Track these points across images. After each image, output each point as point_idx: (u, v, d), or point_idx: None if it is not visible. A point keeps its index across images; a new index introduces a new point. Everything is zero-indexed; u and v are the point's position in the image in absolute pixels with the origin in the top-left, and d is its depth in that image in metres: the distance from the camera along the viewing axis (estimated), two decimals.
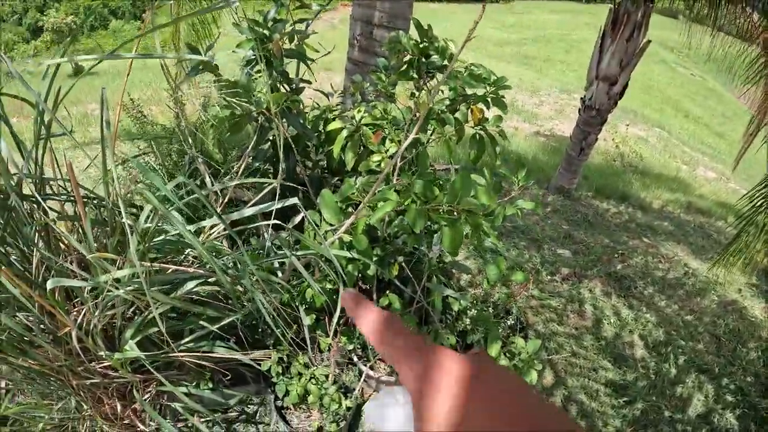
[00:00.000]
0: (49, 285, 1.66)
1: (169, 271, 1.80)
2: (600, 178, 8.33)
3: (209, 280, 1.96)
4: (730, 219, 8.05)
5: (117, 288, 1.71)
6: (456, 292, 2.86)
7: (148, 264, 1.83)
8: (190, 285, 1.93)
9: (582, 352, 4.20)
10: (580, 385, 3.87)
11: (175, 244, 1.93)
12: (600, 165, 9.26)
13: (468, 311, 3.03)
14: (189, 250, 2.02)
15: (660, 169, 10.09)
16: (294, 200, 2.04)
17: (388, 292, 2.72)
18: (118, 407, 2.31)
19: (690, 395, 4.08)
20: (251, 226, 2.12)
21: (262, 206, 1.97)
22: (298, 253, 2.06)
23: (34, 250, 1.79)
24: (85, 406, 2.30)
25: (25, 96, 1.78)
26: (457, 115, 2.46)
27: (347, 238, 2.23)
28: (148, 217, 1.67)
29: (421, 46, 2.57)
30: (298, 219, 2.06)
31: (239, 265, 1.87)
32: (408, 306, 2.83)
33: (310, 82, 2.76)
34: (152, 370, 1.89)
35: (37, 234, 1.92)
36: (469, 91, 2.52)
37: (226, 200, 2.25)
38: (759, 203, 4.26)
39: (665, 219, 7.52)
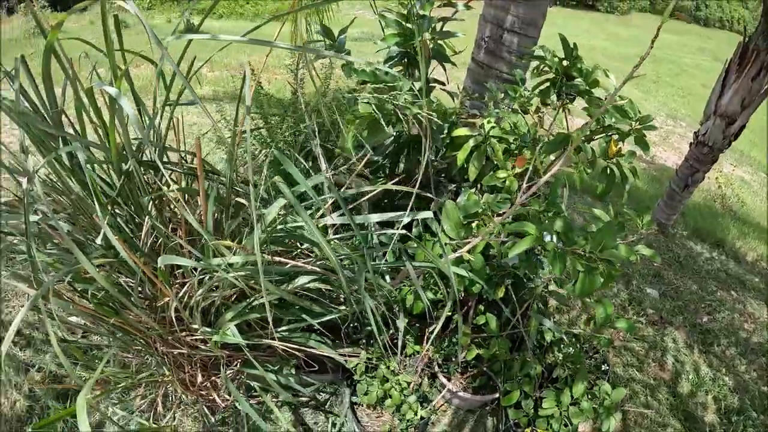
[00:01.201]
0: (161, 262, 1.76)
1: (288, 265, 1.88)
2: (698, 218, 8.16)
3: (321, 277, 2.05)
4: None
5: (228, 272, 1.81)
6: (551, 321, 2.89)
7: (269, 257, 1.92)
8: (302, 280, 2.02)
9: (655, 404, 4.17)
10: None
11: (298, 238, 2.02)
12: (699, 204, 9.06)
13: (561, 345, 3.05)
14: (306, 244, 2.11)
15: (760, 218, 9.78)
16: (428, 214, 2.11)
17: (486, 312, 2.78)
18: (199, 377, 2.45)
19: None
20: (379, 232, 2.17)
21: (392, 214, 2.05)
22: (417, 263, 2.13)
23: (146, 218, 1.89)
24: (166, 371, 2.44)
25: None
26: (594, 145, 2.47)
27: (466, 256, 2.28)
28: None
29: (565, 64, 2.59)
30: (405, 219, 2.10)
31: (356, 266, 1.95)
32: (503, 328, 2.87)
33: (444, 84, 2.81)
34: (249, 355, 1.99)
35: (151, 203, 2.03)
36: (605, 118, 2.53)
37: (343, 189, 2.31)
38: None
39: (757, 274, 7.31)
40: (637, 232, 2.69)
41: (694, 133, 6.66)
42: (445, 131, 2.84)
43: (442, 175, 3.06)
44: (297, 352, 2.22)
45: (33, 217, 1.88)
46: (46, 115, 1.86)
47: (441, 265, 2.03)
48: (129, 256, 1.62)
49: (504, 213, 2.31)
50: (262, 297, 1.98)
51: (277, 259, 1.86)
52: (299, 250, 2.09)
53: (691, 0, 25.02)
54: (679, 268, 6.45)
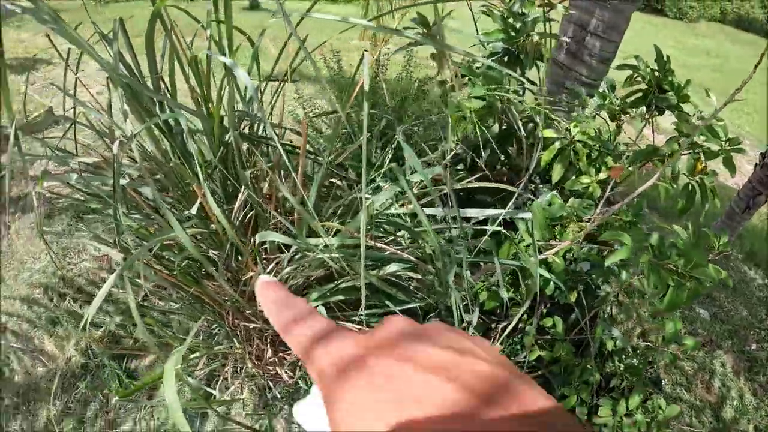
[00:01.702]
0: (259, 238, 1.83)
1: (387, 252, 1.95)
2: (755, 241, 8.07)
3: (413, 266, 2.11)
4: None
5: (325, 252, 1.87)
6: (618, 331, 2.92)
7: (371, 241, 1.98)
8: (393, 267, 2.08)
9: (698, 426, 4.19)
10: None
11: (398, 226, 2.08)
12: (757, 227, 8.95)
13: (623, 355, 3.08)
14: (403, 232, 2.17)
15: None
16: (527, 215, 2.17)
17: (554, 314, 2.82)
18: (269, 352, 2.53)
19: None
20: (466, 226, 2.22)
21: (492, 211, 2.10)
22: (506, 261, 2.19)
23: (242, 191, 1.95)
24: (236, 344, 2.52)
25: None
26: (680, 162, 2.50)
27: (551, 258, 2.33)
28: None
29: (657, 76, 2.61)
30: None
31: (447, 258, 2.00)
32: (568, 332, 2.91)
33: (535, 84, 2.84)
34: None
35: (250, 177, 2.09)
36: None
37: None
38: None
39: None
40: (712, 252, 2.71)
41: (761, 154, 6.58)
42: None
43: (522, 173, 3.09)
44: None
45: (121, 181, 1.95)
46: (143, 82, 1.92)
47: (530, 264, 2.08)
48: (227, 225, 1.68)
49: (589, 219, 2.35)
50: (350, 280, 2.05)
51: (379, 245, 1.92)
52: (394, 237, 2.14)
53: (764, 11, 24.56)
54: (731, 292, 6.42)
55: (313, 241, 1.78)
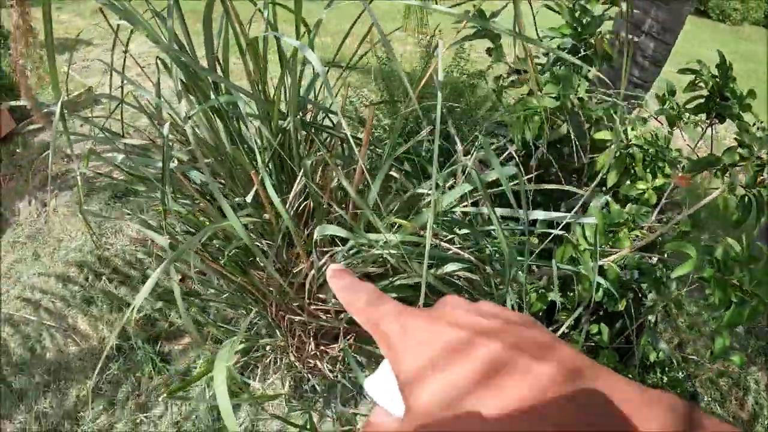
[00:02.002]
0: (318, 232, 1.78)
1: (450, 252, 1.90)
2: None
3: (471, 266, 2.05)
4: None
5: (382, 249, 1.82)
6: (665, 343, 2.86)
7: (435, 239, 1.93)
8: (452, 267, 2.03)
9: None
10: None
11: (462, 225, 2.03)
12: None
13: (666, 368, 3.01)
14: (460, 230, 2.11)
15: None
16: (591, 220, 2.10)
17: (599, 321, 2.76)
18: (311, 345, 2.48)
19: None
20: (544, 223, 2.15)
21: (557, 214, 2.04)
22: (563, 266, 2.13)
23: (299, 179, 1.90)
24: (279, 336, 2.48)
25: None
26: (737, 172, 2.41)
27: (608, 265, 2.26)
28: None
29: (719, 82, 2.53)
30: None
31: (506, 260, 1.94)
32: (612, 340, 2.85)
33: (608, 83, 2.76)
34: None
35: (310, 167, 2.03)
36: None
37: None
38: None
39: None
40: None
41: None
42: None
43: (573, 175, 3.02)
44: None
45: (171, 165, 1.90)
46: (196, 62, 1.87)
47: (588, 270, 2.02)
48: (285, 214, 1.63)
49: (647, 227, 2.29)
50: (406, 277, 2.00)
51: (443, 244, 1.86)
52: (454, 236, 2.08)
53: None
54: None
55: (373, 236, 1.72)
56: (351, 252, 1.90)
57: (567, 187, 1.97)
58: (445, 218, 1.96)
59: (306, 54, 1.40)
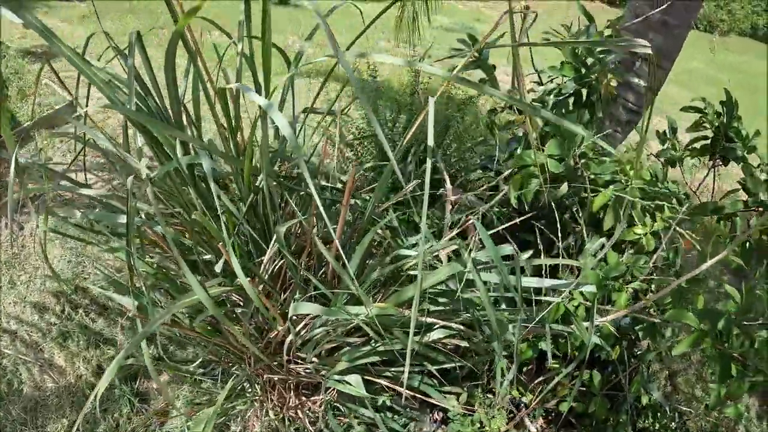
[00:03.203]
0: (292, 311, 1.64)
1: (437, 326, 1.77)
2: None
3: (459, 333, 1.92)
4: None
5: (365, 323, 1.68)
6: (658, 391, 2.74)
7: (424, 318, 1.79)
8: (438, 334, 1.89)
9: None
10: None
11: (449, 296, 1.89)
12: None
13: (658, 413, 2.90)
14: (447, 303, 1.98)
15: None
16: (591, 288, 1.96)
17: (591, 368, 2.64)
18: (292, 400, 2.34)
19: None
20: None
21: (551, 282, 1.90)
22: (557, 327, 1.99)
23: (272, 244, 1.75)
24: (258, 390, 2.34)
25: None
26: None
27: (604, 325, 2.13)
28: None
29: (726, 123, 2.39)
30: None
31: (495, 335, 1.81)
32: (604, 385, 2.74)
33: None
34: (368, 404, 1.87)
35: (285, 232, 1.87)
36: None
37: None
38: None
39: None
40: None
41: None
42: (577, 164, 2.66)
43: (565, 214, 2.88)
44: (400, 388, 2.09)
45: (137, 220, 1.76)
46: (160, 106, 1.72)
47: (582, 331, 1.88)
48: (254, 295, 1.49)
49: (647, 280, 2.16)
50: (388, 344, 1.85)
51: (429, 320, 1.72)
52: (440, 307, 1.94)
53: None
54: None
55: (353, 310, 1.58)
56: (329, 323, 1.75)
57: (561, 261, 1.83)
58: (431, 291, 1.81)
59: (273, 116, 1.26)
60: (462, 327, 1.80)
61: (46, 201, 1.79)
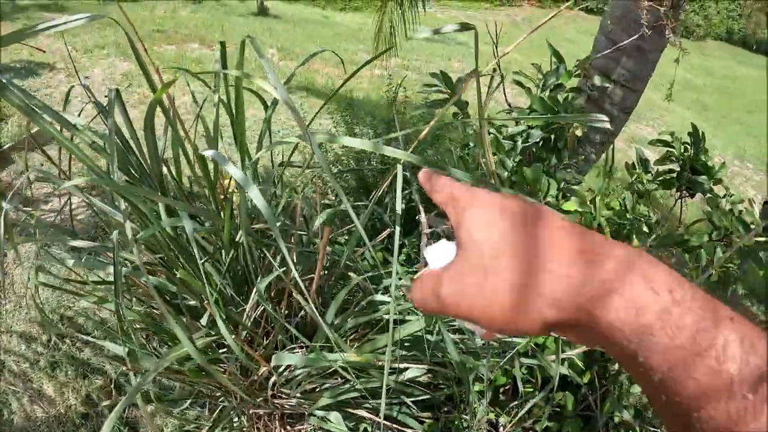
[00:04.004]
0: (274, 361, 1.70)
1: (408, 371, 1.83)
2: (759, 276, 7.93)
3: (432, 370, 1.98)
4: None
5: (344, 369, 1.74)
6: (629, 412, 2.80)
7: (397, 363, 1.85)
8: (414, 373, 1.96)
9: None
10: None
11: (420, 343, 1.95)
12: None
13: (630, 430, 2.96)
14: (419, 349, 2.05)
15: None
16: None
17: (566, 390, 2.70)
18: (278, 430, 2.39)
19: None
20: None
21: None
22: (525, 360, 2.05)
23: (253, 294, 1.80)
24: (245, 422, 2.39)
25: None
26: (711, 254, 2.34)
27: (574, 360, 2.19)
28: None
29: (692, 157, 2.46)
30: None
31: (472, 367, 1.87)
32: (578, 404, 2.80)
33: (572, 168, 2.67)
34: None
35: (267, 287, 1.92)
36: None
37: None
38: None
39: None
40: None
41: None
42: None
43: None
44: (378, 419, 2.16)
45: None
46: (142, 162, 1.76)
47: (548, 367, 1.95)
48: (238, 350, 1.55)
49: None
50: (366, 381, 1.92)
51: (402, 366, 1.79)
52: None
53: None
54: None
55: (331, 356, 1.64)
56: (304, 372, 1.82)
57: None
58: (406, 338, 1.88)
59: (248, 191, 1.31)
60: (435, 368, 1.86)
61: (37, 251, 1.82)
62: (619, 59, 3.68)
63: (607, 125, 1.43)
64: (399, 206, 1.33)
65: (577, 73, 2.53)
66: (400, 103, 3.67)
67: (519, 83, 2.47)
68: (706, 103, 17.93)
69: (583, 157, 3.74)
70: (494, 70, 1.94)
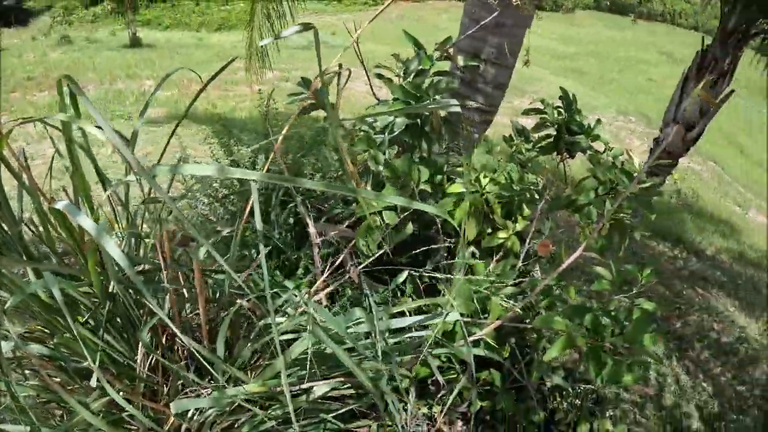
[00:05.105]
0: (174, 409, 1.56)
1: (315, 391, 1.72)
2: (657, 216, 8.15)
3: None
4: None
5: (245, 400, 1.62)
6: (557, 375, 2.76)
7: (296, 387, 1.74)
8: (323, 389, 1.84)
9: (644, 421, 4.10)
10: None
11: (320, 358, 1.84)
12: (657, 201, 9.07)
13: (563, 391, 2.93)
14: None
15: (713, 209, 9.92)
16: (456, 316, 1.94)
17: (491, 369, 2.64)
18: None
19: None
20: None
21: (422, 318, 1.87)
22: (437, 351, 1.97)
23: (140, 347, 1.67)
24: None
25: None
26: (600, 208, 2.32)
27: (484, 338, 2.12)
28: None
29: (566, 119, 2.44)
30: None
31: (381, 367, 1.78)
32: (506, 378, 2.75)
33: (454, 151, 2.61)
34: None
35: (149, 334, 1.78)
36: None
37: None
38: None
39: (717, 268, 7.39)
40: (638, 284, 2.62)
41: (654, 139, 6.66)
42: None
43: (432, 228, 2.87)
44: None
45: (5, 345, 1.64)
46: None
47: (460, 353, 1.87)
48: (139, 410, 1.42)
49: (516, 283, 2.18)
50: (279, 408, 1.80)
51: (304, 386, 1.67)
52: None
53: None
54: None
55: (231, 392, 1.52)
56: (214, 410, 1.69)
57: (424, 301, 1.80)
58: (302, 357, 1.76)
59: (104, 245, 1.17)
60: (341, 379, 1.76)
61: None
62: (486, 38, 3.66)
63: (457, 109, 1.38)
64: (259, 224, 1.23)
65: (438, 57, 2.47)
66: (273, 117, 3.54)
67: (379, 75, 2.39)
68: (581, 69, 18.49)
69: (462, 139, 3.71)
70: (340, 66, 1.85)
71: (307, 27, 1.39)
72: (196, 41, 14.05)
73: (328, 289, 2.01)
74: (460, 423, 2.99)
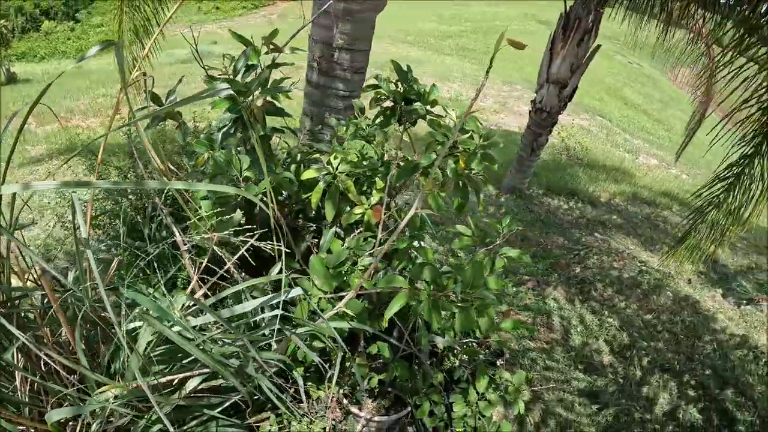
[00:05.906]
0: (49, 419, 1.51)
1: (175, 382, 1.68)
2: (549, 174, 8.38)
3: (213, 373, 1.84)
4: (675, 208, 8.30)
5: (115, 402, 1.57)
6: (441, 337, 2.79)
7: (151, 379, 1.69)
8: (194, 383, 1.80)
9: (554, 365, 4.19)
10: (556, 398, 3.85)
11: (176, 353, 1.80)
12: (547, 161, 9.32)
13: (454, 349, 2.97)
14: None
15: (604, 159, 10.25)
16: (298, 291, 1.92)
17: (376, 339, 2.64)
18: None
19: (656, 395, 4.17)
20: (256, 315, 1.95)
21: (265, 298, 1.84)
22: (298, 331, 1.95)
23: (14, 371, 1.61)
24: None
25: None
26: (446, 168, 2.34)
27: (343, 310, 2.11)
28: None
29: (402, 91, 2.46)
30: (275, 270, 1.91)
31: (241, 354, 1.75)
32: (396, 352, 2.75)
33: (283, 131, 2.59)
34: None
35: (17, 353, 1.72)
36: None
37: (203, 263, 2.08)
38: (707, 203, 4.20)
39: (614, 212, 7.64)
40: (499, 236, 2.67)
41: (532, 101, 6.83)
42: (293, 170, 2.63)
43: (300, 216, 2.86)
44: None
45: None
46: None
47: (323, 328, 1.86)
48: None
49: (371, 253, 2.18)
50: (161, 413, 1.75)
51: (162, 380, 1.63)
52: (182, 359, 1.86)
53: None
54: (542, 226, 6.61)
55: (102, 398, 1.48)
56: (96, 414, 1.64)
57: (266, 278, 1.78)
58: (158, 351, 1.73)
59: None
60: (205, 371, 1.73)
61: None
62: (336, 25, 3.66)
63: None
64: (85, 232, 1.18)
65: (266, 51, 2.44)
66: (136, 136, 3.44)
67: (211, 76, 2.35)
68: (466, 47, 18.82)
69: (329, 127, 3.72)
70: (144, 74, 1.81)
71: (109, 44, 1.35)
72: (75, 70, 13.02)
73: (202, 291, 1.97)
74: (369, 401, 2.99)
